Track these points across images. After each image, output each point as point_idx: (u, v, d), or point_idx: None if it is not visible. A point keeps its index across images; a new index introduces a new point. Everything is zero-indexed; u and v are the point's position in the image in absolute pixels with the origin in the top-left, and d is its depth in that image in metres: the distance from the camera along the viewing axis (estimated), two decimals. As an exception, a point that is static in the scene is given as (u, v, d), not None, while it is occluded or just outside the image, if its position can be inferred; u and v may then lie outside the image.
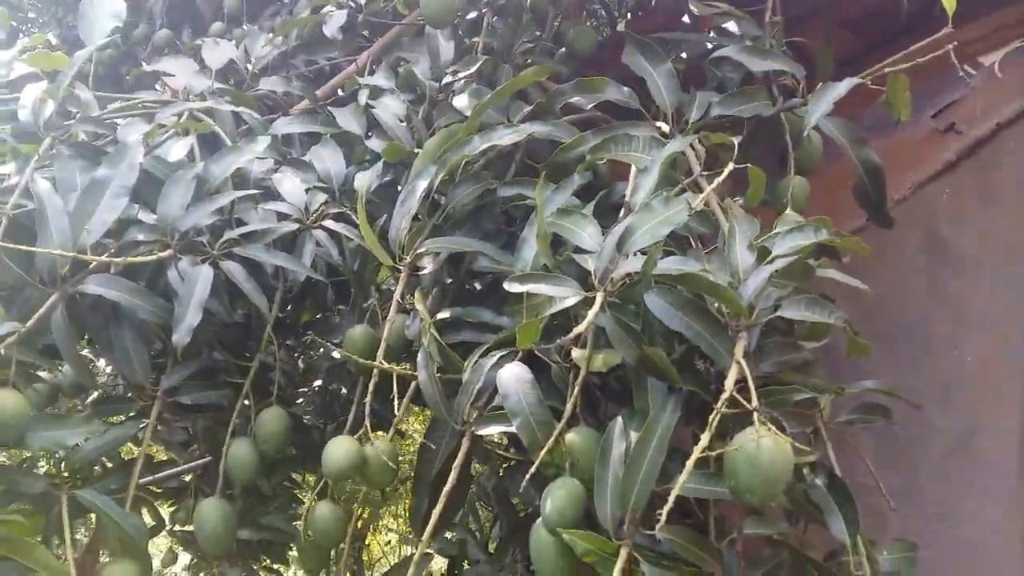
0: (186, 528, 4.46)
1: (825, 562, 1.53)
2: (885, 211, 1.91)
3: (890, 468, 2.21)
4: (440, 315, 1.71)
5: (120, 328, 1.81)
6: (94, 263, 1.69)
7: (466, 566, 3.33)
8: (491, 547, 3.44)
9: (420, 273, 1.77)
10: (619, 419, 1.36)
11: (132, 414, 1.97)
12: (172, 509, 4.31)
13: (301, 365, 2.48)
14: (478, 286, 1.92)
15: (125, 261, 1.72)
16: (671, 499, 1.08)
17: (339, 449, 1.57)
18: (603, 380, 1.55)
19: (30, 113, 1.88)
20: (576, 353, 1.46)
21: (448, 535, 3.73)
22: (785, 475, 1.15)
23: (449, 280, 1.88)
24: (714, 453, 1.14)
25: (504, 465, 2.37)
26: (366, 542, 9.27)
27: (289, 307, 2.21)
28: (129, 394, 1.93)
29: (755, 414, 1.15)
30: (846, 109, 1.91)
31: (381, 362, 1.62)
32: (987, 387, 2.32)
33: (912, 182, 2.61)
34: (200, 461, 3.54)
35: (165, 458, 3.41)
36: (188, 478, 4.26)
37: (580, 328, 1.21)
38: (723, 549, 1.33)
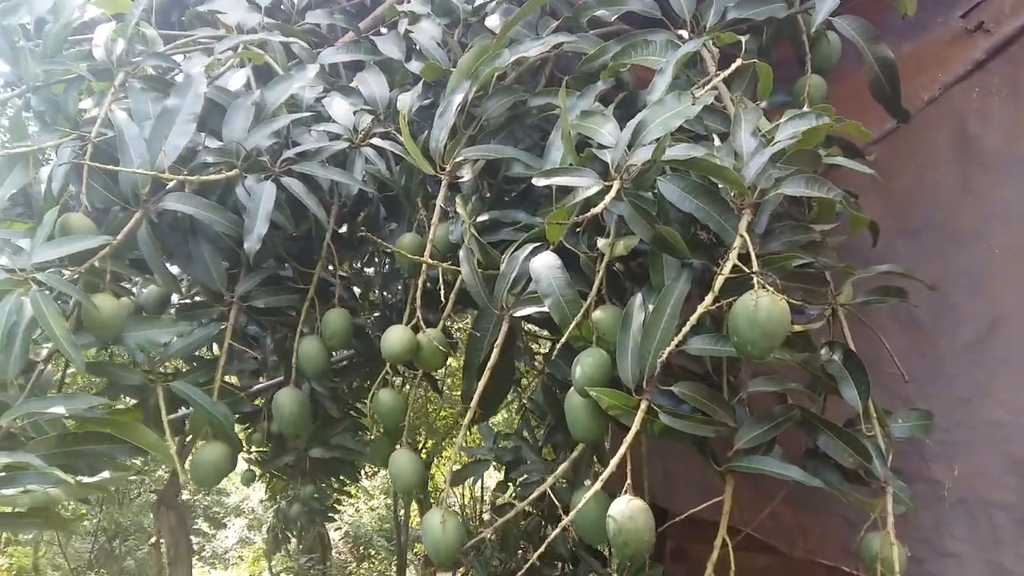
0: (262, 449, 4.79)
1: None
2: (900, 104, 2.00)
3: (918, 356, 2.33)
4: (479, 218, 1.88)
5: (197, 243, 2.03)
6: (171, 183, 1.90)
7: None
8: (545, 454, 3.68)
9: (460, 181, 1.94)
10: (638, 295, 1.53)
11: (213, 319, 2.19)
12: (248, 432, 4.64)
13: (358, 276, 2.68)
14: (513, 193, 2.08)
15: (199, 180, 1.93)
16: (670, 347, 1.24)
17: (396, 335, 1.77)
18: (627, 267, 1.71)
19: (103, 51, 2.08)
20: (601, 242, 1.62)
21: (503, 443, 3.97)
22: (781, 329, 1.30)
23: (487, 190, 2.05)
24: (715, 306, 1.29)
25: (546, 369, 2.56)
26: (431, 472, 9.73)
27: (345, 225, 2.41)
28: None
29: (755, 277, 1.31)
30: (876, 14, 1.98)
31: (428, 259, 1.81)
32: (1013, 277, 2.40)
33: (941, 82, 2.66)
34: (273, 381, 3.82)
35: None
36: (259, 402, 4.56)
37: (597, 209, 1.37)
38: (734, 404, 1.50)
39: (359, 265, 2.86)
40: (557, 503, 1.64)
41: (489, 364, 1.68)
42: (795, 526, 2.55)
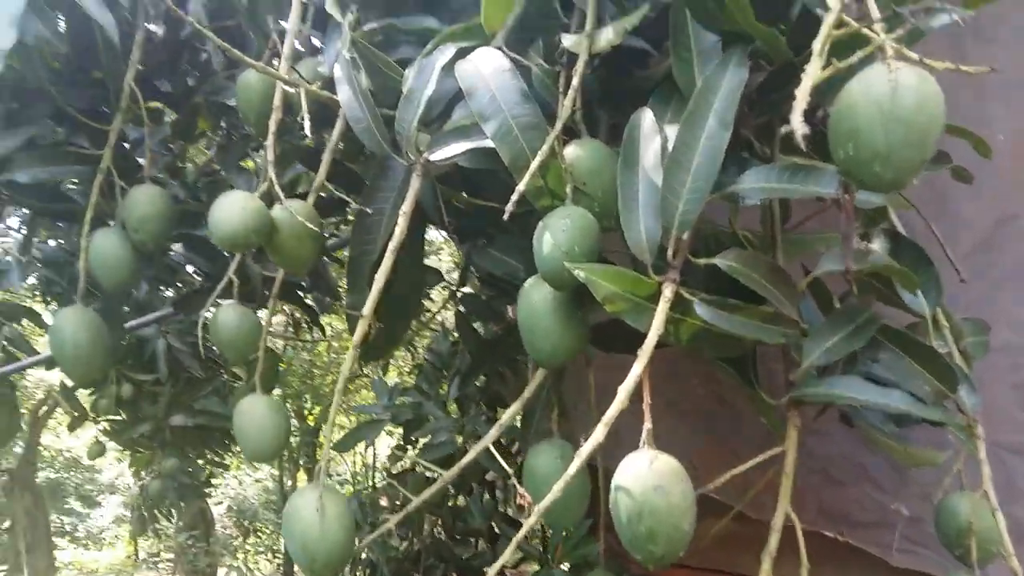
0: (111, 417, 4.01)
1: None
2: None
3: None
4: (366, 27, 1.20)
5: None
6: None
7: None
8: (450, 408, 3.08)
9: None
10: (645, 110, 0.90)
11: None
12: (93, 398, 3.85)
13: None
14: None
15: None
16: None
17: (234, 203, 1.06)
18: (603, 90, 1.08)
19: None
20: (569, 40, 0.98)
21: (400, 400, 3.36)
22: (936, 129, 0.71)
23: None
24: (828, 70, 0.67)
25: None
26: (318, 443, 8.97)
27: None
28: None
29: (884, 39, 0.70)
30: None
31: (283, 77, 1.10)
32: (1021, 170, 1.94)
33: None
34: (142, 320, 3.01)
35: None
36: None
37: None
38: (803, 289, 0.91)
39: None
40: (504, 460, 1.01)
41: (391, 247, 1.01)
42: (762, 485, 2.04)
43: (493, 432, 1.04)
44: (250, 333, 1.27)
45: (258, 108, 1.24)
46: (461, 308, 1.98)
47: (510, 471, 0.97)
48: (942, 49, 2.05)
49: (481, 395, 3.00)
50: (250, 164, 1.95)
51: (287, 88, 1.13)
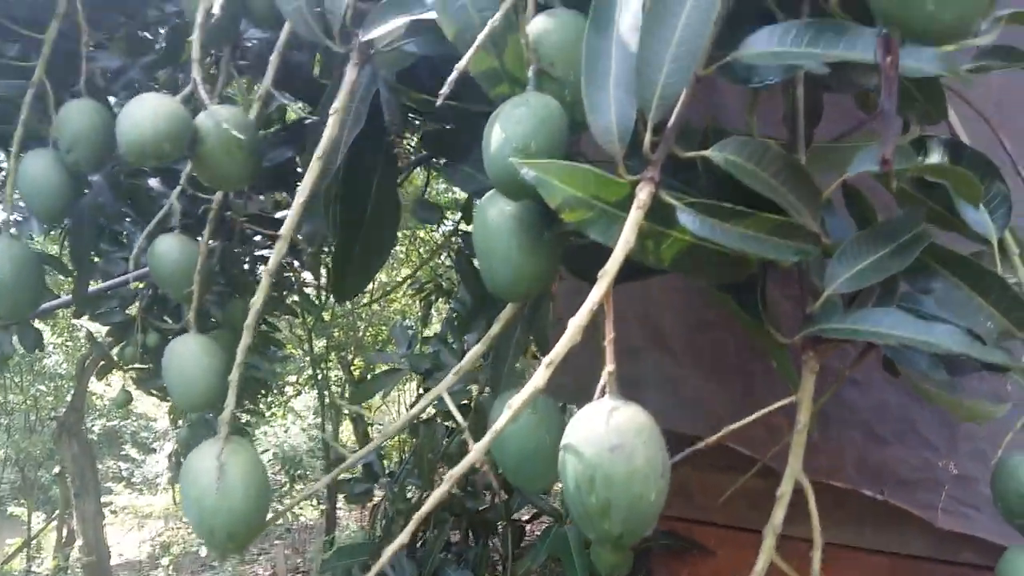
0: (137, 366, 3.95)
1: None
2: None
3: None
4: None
5: None
6: None
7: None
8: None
9: None
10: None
11: None
12: (119, 346, 3.79)
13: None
14: None
15: None
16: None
17: (142, 109, 0.88)
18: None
19: None
20: None
21: (421, 349, 3.26)
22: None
23: None
24: None
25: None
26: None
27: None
28: None
29: None
30: None
31: None
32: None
33: None
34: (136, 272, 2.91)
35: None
36: (133, 310, 3.71)
37: None
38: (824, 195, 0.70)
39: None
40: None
41: (317, 153, 0.83)
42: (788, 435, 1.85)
43: (449, 378, 0.86)
44: (192, 265, 1.11)
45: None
46: (462, 246, 1.81)
47: (463, 422, 0.79)
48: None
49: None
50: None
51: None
